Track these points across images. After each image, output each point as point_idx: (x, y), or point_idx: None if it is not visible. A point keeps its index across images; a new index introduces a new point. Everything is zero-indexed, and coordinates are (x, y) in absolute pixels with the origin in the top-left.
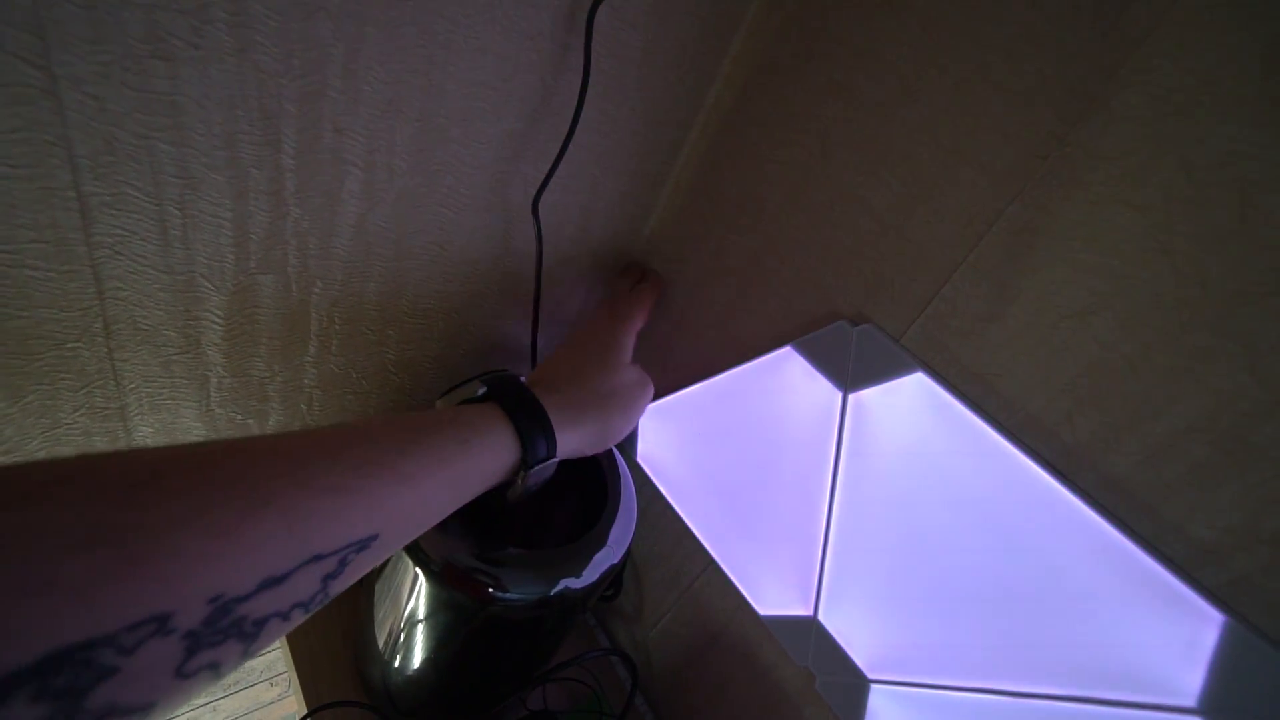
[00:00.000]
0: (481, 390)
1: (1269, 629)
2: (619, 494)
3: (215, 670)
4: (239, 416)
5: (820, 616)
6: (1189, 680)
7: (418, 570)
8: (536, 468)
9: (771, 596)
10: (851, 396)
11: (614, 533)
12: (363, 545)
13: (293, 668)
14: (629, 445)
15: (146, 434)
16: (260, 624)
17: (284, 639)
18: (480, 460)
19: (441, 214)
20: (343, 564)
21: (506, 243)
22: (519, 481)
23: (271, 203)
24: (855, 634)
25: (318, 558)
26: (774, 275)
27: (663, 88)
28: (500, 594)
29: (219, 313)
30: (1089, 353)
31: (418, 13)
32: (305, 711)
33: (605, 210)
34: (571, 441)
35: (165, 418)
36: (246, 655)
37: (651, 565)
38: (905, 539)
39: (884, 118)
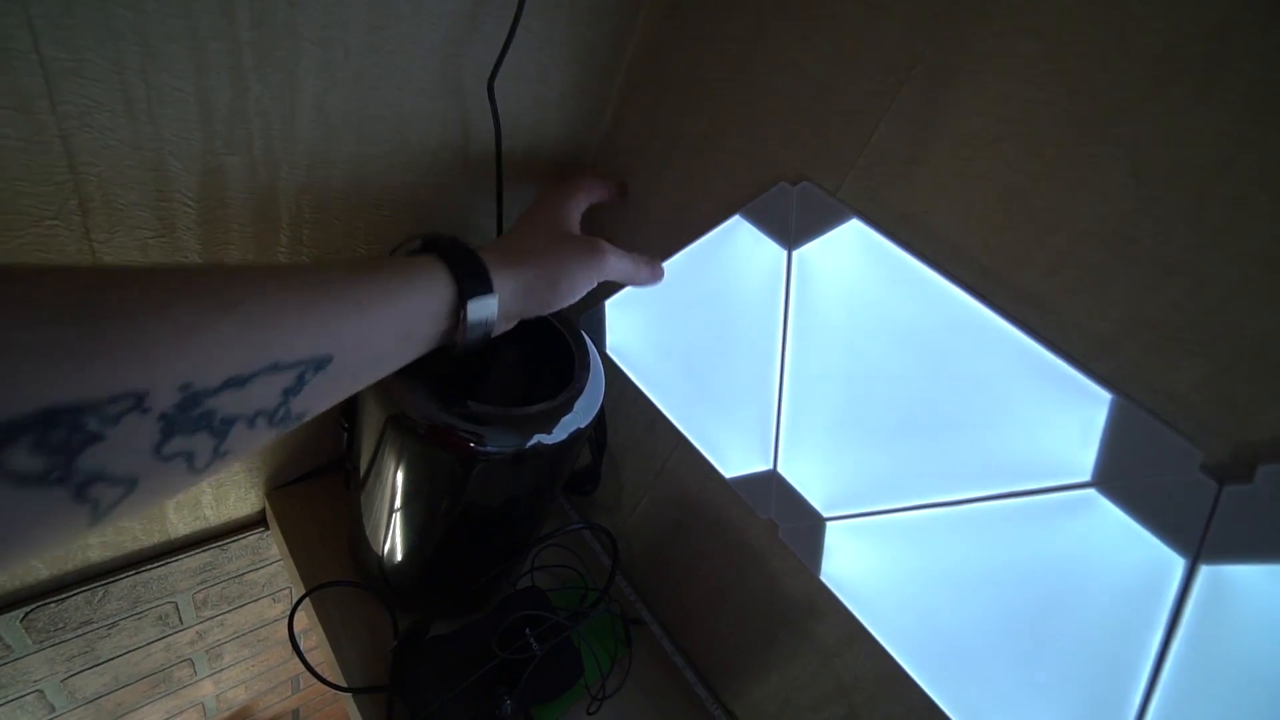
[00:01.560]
0: (418, 244)
1: (1147, 401)
2: (587, 367)
3: (189, 460)
4: None
5: (779, 468)
6: (1085, 458)
7: (403, 434)
8: (475, 308)
9: (736, 459)
10: (795, 253)
11: (581, 401)
12: (319, 364)
13: (288, 554)
14: (599, 337)
15: None
16: (228, 423)
17: (277, 527)
18: (422, 297)
19: (400, 98)
20: (300, 380)
21: (466, 131)
22: (462, 322)
23: (231, 77)
24: (810, 479)
25: (276, 366)
26: (722, 152)
27: None
28: (480, 448)
29: (190, 194)
30: (1002, 178)
31: None
32: (303, 592)
33: (559, 101)
34: (509, 285)
35: None
36: (218, 454)
37: (626, 454)
38: (849, 381)
39: None
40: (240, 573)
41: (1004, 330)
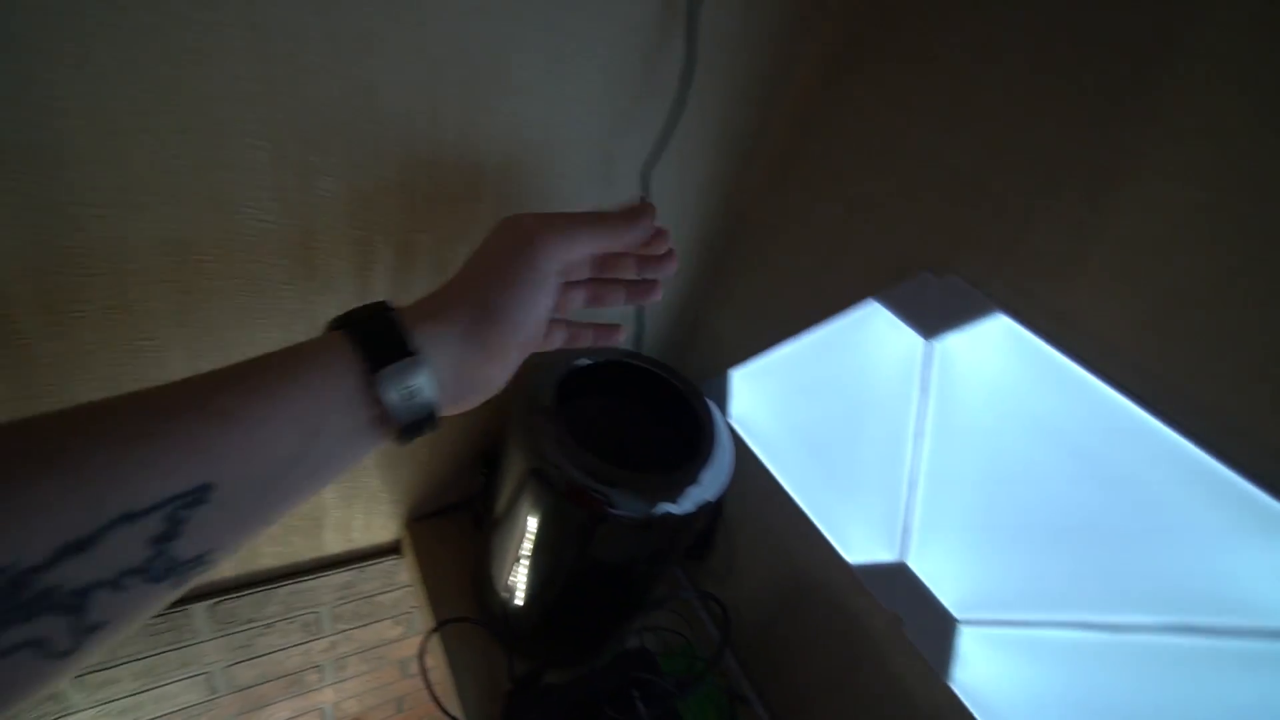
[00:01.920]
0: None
1: None
2: (715, 439)
3: (41, 647)
4: None
5: (908, 560)
6: None
7: (541, 486)
8: (393, 377)
9: (859, 545)
10: (935, 343)
11: (707, 474)
12: (195, 498)
13: (419, 582)
14: (722, 405)
15: None
16: (82, 594)
17: (412, 556)
18: (315, 381)
19: (562, 184)
20: (174, 522)
21: None
22: (379, 398)
23: (430, 172)
24: (943, 576)
25: (129, 516)
26: (860, 237)
27: (753, 71)
28: (611, 508)
29: (386, 266)
30: (1175, 284)
31: (550, 9)
32: (433, 625)
33: (704, 185)
34: (442, 340)
35: None
36: (85, 629)
37: (743, 524)
38: (990, 478)
39: (964, 79)
40: (372, 594)
41: (1178, 445)
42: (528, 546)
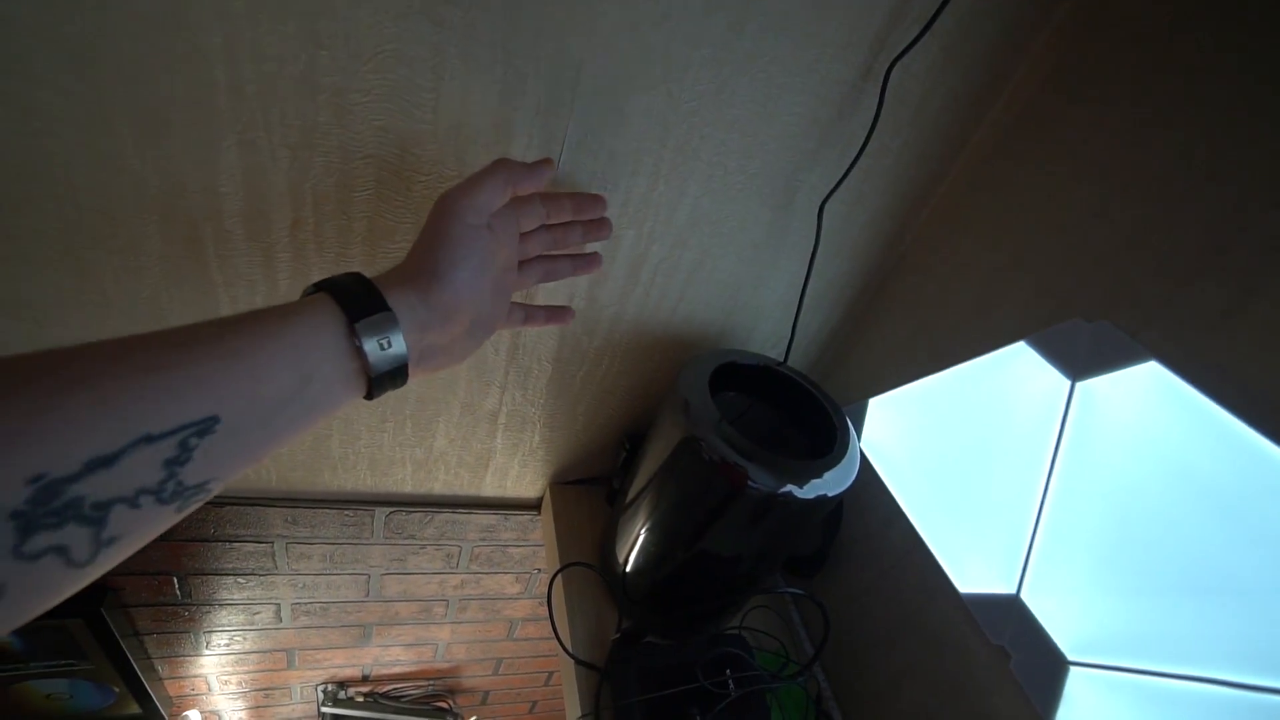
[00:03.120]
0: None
1: None
2: (846, 446)
3: (64, 554)
4: None
5: (1023, 595)
6: None
7: (689, 456)
8: (370, 329)
9: (974, 575)
10: (1079, 385)
11: (833, 474)
12: (203, 428)
13: (552, 537)
14: (858, 429)
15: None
16: (103, 508)
17: (550, 514)
18: (306, 331)
19: (746, 208)
20: (185, 448)
21: (785, 237)
22: (359, 347)
23: (649, 181)
24: (1059, 614)
25: (149, 438)
26: (1014, 287)
27: (932, 129)
28: (750, 481)
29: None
30: None
31: (768, 67)
32: (559, 566)
33: (869, 223)
34: (407, 298)
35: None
36: (102, 542)
37: (857, 545)
38: (1123, 523)
39: (1136, 141)
40: (508, 543)
41: None
42: (658, 514)
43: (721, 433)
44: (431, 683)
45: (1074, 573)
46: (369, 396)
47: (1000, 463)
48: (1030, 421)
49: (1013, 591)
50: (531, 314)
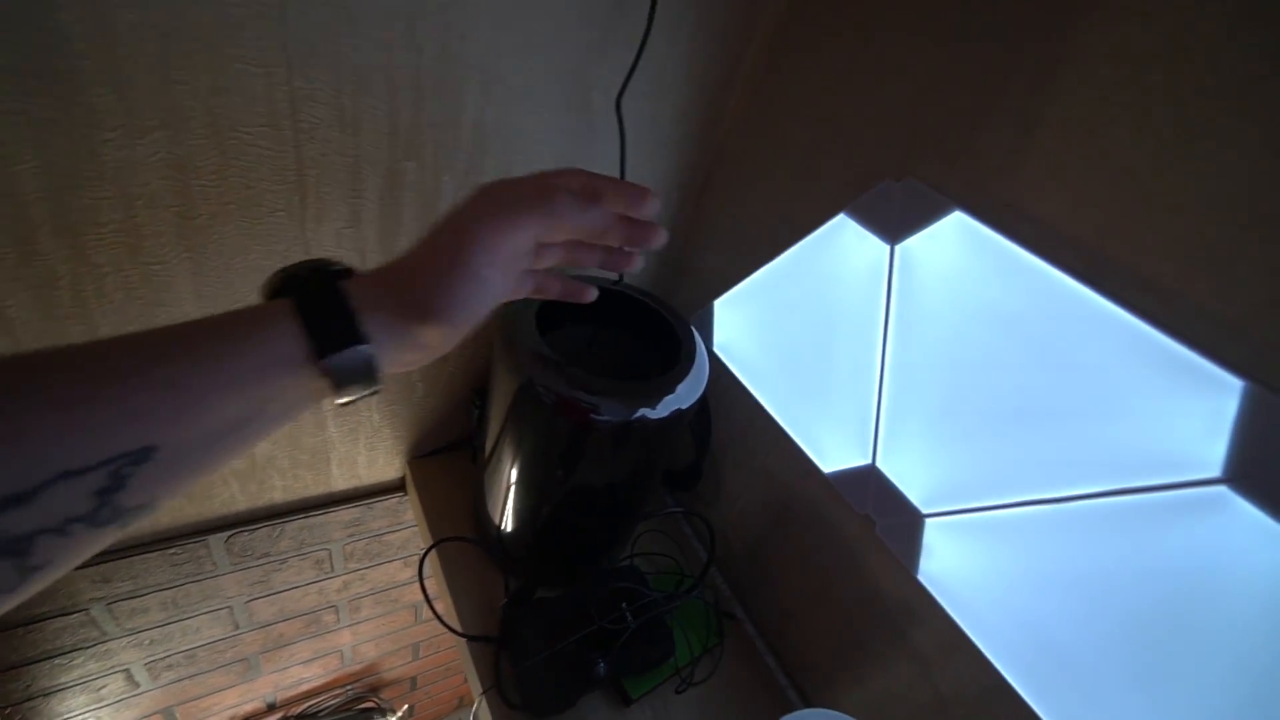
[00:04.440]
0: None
1: None
2: (693, 355)
3: None
4: None
5: (878, 463)
6: (1214, 452)
7: (529, 401)
8: (343, 364)
9: (835, 454)
10: (898, 248)
11: (684, 386)
12: (138, 458)
13: (421, 516)
14: (707, 336)
15: None
16: (26, 540)
17: (414, 492)
18: (263, 360)
19: (540, 115)
20: (118, 478)
21: (592, 144)
22: (330, 384)
23: (414, 98)
24: (910, 475)
25: (67, 474)
26: (828, 156)
27: (721, 4)
28: (595, 415)
29: (375, 194)
30: (1115, 163)
31: None
32: (431, 543)
33: (679, 115)
34: (388, 319)
35: None
36: (30, 569)
37: (728, 451)
38: (952, 373)
39: None
40: (380, 532)
41: (1118, 317)
42: (519, 466)
43: (556, 370)
44: (348, 688)
45: (917, 431)
46: (336, 404)
47: (840, 340)
48: (861, 293)
49: (869, 461)
50: (545, 284)
